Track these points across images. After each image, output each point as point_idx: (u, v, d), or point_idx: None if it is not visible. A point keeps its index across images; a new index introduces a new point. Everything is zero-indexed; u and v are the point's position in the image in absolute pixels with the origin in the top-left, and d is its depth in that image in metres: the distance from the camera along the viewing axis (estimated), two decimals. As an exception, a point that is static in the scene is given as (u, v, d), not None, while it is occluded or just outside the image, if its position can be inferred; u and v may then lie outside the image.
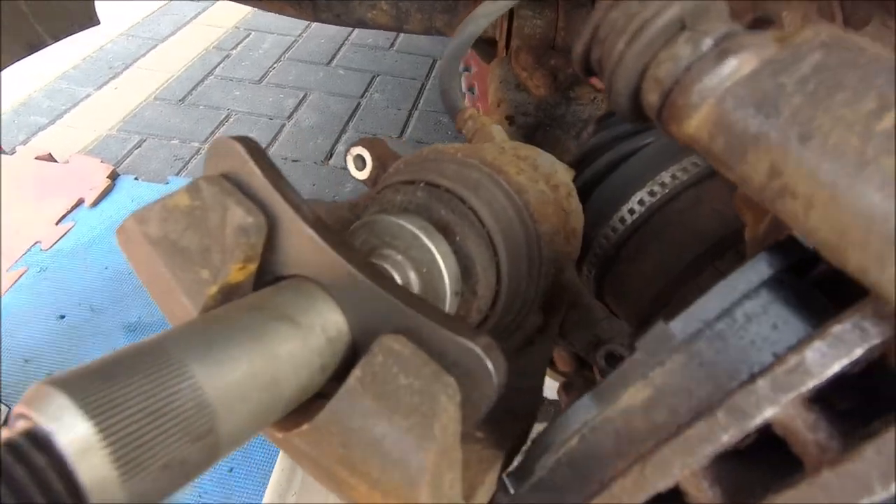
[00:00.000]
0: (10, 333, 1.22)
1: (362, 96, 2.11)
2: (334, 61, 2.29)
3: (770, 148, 0.18)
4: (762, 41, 0.20)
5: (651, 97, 0.22)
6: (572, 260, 0.48)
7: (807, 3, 0.36)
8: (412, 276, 0.33)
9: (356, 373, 0.25)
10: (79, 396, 0.18)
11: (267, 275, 0.30)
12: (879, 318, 0.18)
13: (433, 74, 2.25)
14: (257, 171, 0.28)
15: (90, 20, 0.69)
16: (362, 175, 0.56)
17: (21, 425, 0.19)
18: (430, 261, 0.34)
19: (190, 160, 1.77)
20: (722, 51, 0.20)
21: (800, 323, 0.21)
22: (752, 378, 0.21)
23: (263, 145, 1.90)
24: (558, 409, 0.51)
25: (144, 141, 1.83)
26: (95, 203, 1.53)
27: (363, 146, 0.56)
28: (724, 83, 0.20)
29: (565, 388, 0.49)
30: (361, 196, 0.49)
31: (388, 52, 2.36)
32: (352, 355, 0.29)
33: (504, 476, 0.32)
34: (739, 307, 0.22)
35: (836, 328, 0.19)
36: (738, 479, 0.22)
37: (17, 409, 0.19)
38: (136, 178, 1.65)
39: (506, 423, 0.34)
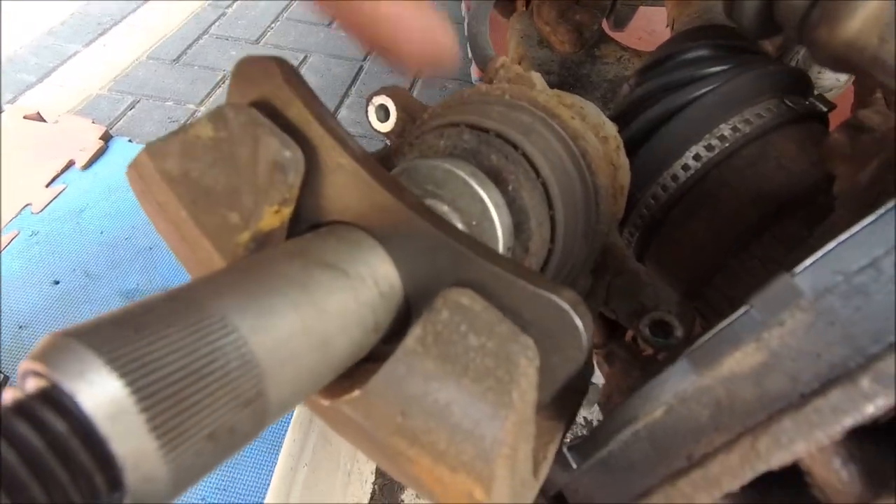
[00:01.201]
0: (2, 299, 1.17)
1: (365, 59, 2.03)
2: (336, 22, 2.19)
3: (974, 50, 0.15)
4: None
5: (795, -1, 0.18)
6: (617, 220, 0.45)
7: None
8: (460, 228, 0.30)
9: (416, 331, 0.22)
10: (105, 350, 0.14)
11: (301, 221, 0.27)
12: None
13: (437, 38, 2.17)
14: (295, 97, 0.24)
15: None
16: (385, 127, 0.52)
17: (32, 384, 0.15)
18: (481, 212, 0.30)
19: (186, 122, 1.70)
20: (904, -68, 0.16)
21: (971, 274, 0.17)
22: (909, 339, 0.17)
23: (262, 108, 1.83)
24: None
25: (138, 102, 1.75)
26: (88, 165, 1.47)
27: (387, 95, 0.51)
28: (905, -28, 0.16)
29: (607, 359, 0.46)
30: (388, 147, 0.45)
31: (390, 14, 2.26)
32: (404, 313, 0.25)
33: (565, 450, 0.29)
34: (888, 257, 0.18)
35: None
36: (872, 459, 0.19)
37: (27, 364, 0.15)
38: (129, 141, 1.58)
39: (562, 393, 0.31)
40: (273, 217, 0.25)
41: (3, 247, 1.27)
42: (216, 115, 0.24)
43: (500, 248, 0.30)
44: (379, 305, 0.23)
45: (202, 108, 1.76)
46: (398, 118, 0.51)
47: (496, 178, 0.31)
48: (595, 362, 0.52)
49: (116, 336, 0.15)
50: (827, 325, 0.19)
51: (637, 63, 0.86)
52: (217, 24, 2.12)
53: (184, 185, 0.25)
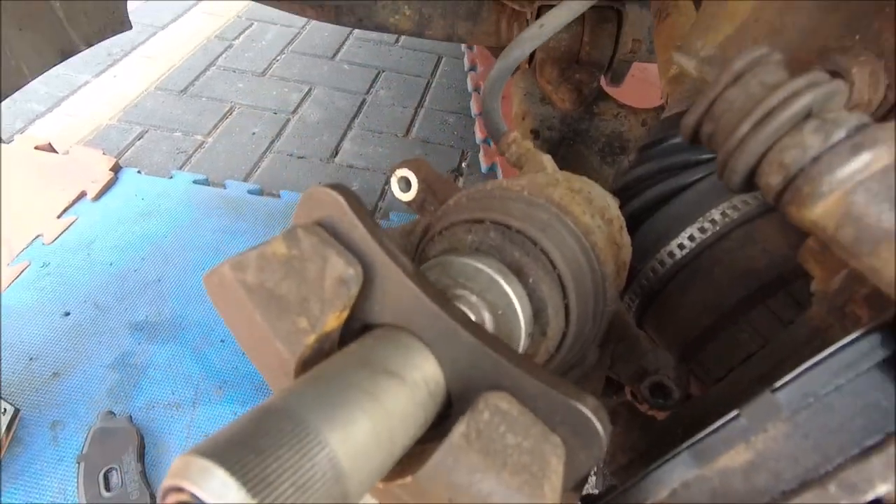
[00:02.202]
0: (13, 330, 1.20)
1: (367, 93, 2.10)
2: (339, 55, 2.26)
3: (907, 246, 0.19)
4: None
5: (771, 179, 0.23)
6: (619, 292, 0.49)
7: (875, 60, 0.37)
8: (487, 316, 0.34)
9: (460, 428, 0.26)
10: (238, 472, 0.18)
11: (355, 321, 0.31)
12: None
13: (438, 73, 2.24)
14: (358, 222, 0.28)
15: (122, 25, 0.68)
16: (407, 197, 0.56)
17: (175, 498, 0.19)
18: (506, 304, 0.34)
19: (193, 154, 1.75)
20: (855, 144, 0.21)
21: (913, 404, 0.22)
22: (866, 454, 0.22)
23: (268, 140, 1.86)
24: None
25: (146, 132, 1.79)
26: (98, 196, 1.51)
27: (408, 168, 0.56)
28: (855, 176, 0.21)
29: (610, 419, 0.50)
30: (413, 223, 0.49)
31: (393, 48, 2.34)
32: (446, 404, 0.29)
33: (580, 518, 0.33)
34: (850, 384, 0.23)
35: (956, 416, 0.20)
36: (839, 546, 0.23)
37: (170, 481, 0.19)
38: (138, 172, 1.62)
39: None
40: (334, 321, 0.29)
41: (14, 278, 1.29)
42: (290, 236, 0.29)
43: (522, 334, 0.35)
44: (429, 403, 0.27)
45: (209, 139, 1.81)
46: (419, 189, 0.56)
47: (518, 272, 0.36)
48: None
49: (244, 458, 0.19)
50: (802, 437, 0.24)
51: (632, 120, 0.92)
52: (224, 55, 2.18)
53: (259, 293, 0.29)
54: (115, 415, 1.06)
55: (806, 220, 0.22)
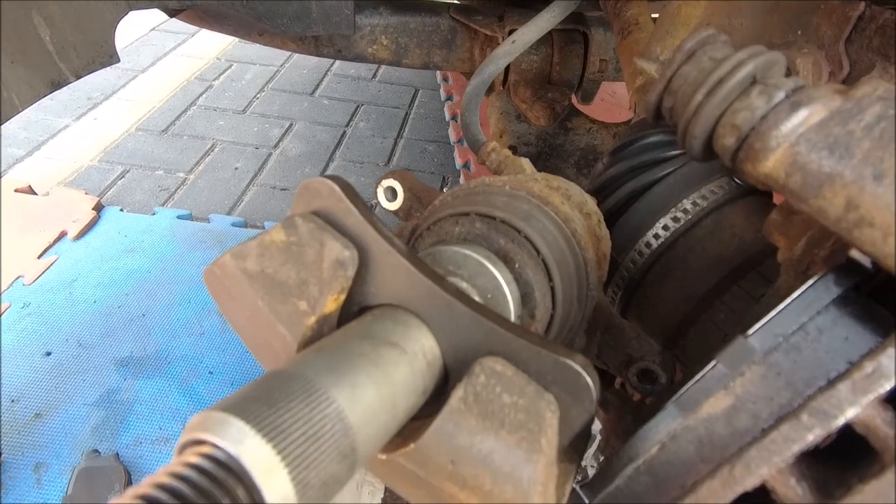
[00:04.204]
0: (-7, 373, 1.17)
1: (347, 125, 2.14)
2: (318, 91, 2.32)
3: (846, 184, 0.22)
4: (827, 93, 0.24)
5: (727, 141, 0.25)
6: (602, 282, 0.51)
7: (817, 51, 0.41)
8: (477, 300, 0.36)
9: (458, 393, 0.27)
10: (255, 421, 0.20)
11: (353, 304, 0.32)
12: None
13: (416, 104, 2.31)
14: (353, 208, 0.30)
15: (110, 58, 0.70)
16: (393, 206, 0.58)
17: (196, 450, 0.20)
18: (494, 287, 0.36)
19: (176, 190, 1.76)
20: (794, 102, 0.24)
21: (868, 334, 0.24)
22: (832, 383, 0.24)
23: (251, 174, 1.87)
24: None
25: (128, 172, 1.80)
26: (80, 235, 1.50)
27: (394, 178, 0.58)
28: (797, 130, 0.23)
29: (602, 406, 0.51)
30: (401, 227, 0.51)
31: (370, 83, 2.41)
32: (442, 378, 0.30)
33: (577, 488, 0.34)
34: (812, 322, 0.25)
35: (905, 337, 0.22)
36: (819, 476, 0.25)
37: (188, 436, 0.20)
38: (121, 210, 1.62)
39: (575, 439, 0.36)
40: (333, 303, 0.30)
41: (-7, 320, 1.27)
42: (288, 224, 0.30)
43: (512, 316, 0.36)
44: (426, 373, 0.29)
45: (192, 176, 1.82)
46: (405, 198, 0.58)
47: (505, 258, 0.38)
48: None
49: (258, 409, 0.20)
50: (775, 375, 0.25)
51: (605, 134, 0.96)
52: (204, 96, 2.22)
53: (261, 280, 0.30)
54: (100, 453, 1.03)
55: (760, 174, 0.24)
